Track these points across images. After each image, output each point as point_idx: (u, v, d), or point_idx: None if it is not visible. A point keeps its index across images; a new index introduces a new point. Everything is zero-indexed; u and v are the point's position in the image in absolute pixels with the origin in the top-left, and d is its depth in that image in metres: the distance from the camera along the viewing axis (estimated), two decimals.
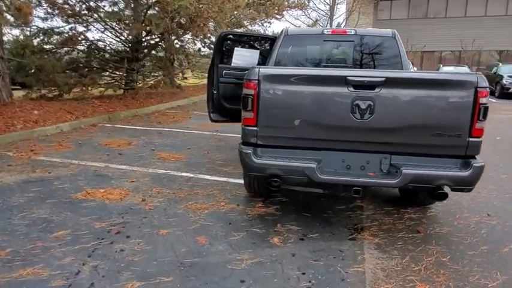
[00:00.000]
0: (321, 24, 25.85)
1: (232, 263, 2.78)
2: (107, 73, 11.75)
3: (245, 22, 14.74)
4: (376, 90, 2.91)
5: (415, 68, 19.78)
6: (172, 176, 4.83)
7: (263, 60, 5.07)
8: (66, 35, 10.56)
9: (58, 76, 9.36)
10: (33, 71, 9.64)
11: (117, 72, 11.86)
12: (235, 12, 11.71)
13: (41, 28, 10.31)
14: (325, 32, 4.57)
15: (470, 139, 2.93)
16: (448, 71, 19.23)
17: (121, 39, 11.78)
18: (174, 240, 3.11)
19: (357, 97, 2.93)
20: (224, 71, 4.83)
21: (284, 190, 4.19)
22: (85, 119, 8.31)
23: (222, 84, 4.88)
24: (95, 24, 11.02)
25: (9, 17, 8.05)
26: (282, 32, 4.70)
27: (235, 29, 13.48)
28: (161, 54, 12.87)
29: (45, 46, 10.52)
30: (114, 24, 11.10)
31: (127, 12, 11.05)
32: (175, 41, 12.35)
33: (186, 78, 14.40)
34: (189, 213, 3.68)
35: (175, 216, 3.58)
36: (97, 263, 2.72)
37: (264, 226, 3.44)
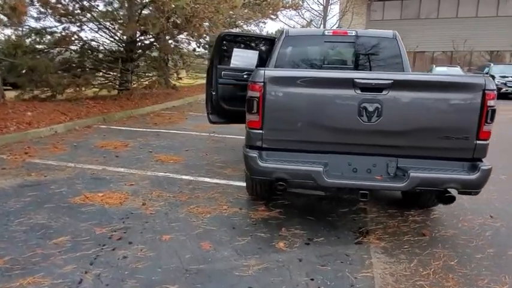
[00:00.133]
0: (315, 25, 25.86)
1: (239, 270, 2.72)
2: (101, 73, 11.60)
3: (240, 22, 14.68)
4: (384, 92, 2.87)
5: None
6: (172, 178, 4.75)
7: (262, 61, 5.01)
8: (59, 35, 10.39)
9: (51, 76, 9.19)
10: (24, 71, 9.47)
11: (111, 73, 11.71)
12: (231, 13, 11.64)
13: (33, 28, 10.13)
14: (326, 33, 4.53)
15: (478, 142, 2.91)
16: (441, 71, 19.44)
17: (115, 39, 11.63)
18: (177, 246, 3.04)
19: (364, 100, 2.89)
20: (223, 72, 4.77)
21: (286, 193, 4.14)
22: (79, 120, 8.17)
23: (221, 86, 4.82)
24: (88, 23, 10.87)
25: (2, 16, 7.88)
26: (282, 33, 4.65)
27: (231, 29, 13.42)
28: (155, 54, 12.74)
29: (37, 46, 10.34)
30: (108, 24, 10.95)
31: (121, 12, 10.91)
32: (170, 41, 12.23)
33: (180, 78, 14.28)
34: (191, 217, 3.61)
35: (177, 221, 3.51)
36: (100, 271, 2.64)
37: (269, 230, 3.38)
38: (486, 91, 2.82)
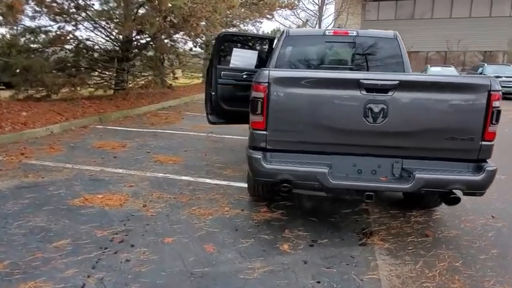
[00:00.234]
0: (310, 25, 25.88)
1: (244, 272, 2.69)
2: (96, 73, 11.47)
3: (237, 22, 14.63)
4: (390, 93, 2.85)
5: None
6: (172, 179, 4.70)
7: (261, 62, 4.98)
8: (54, 34, 10.25)
9: (46, 76, 9.05)
10: (19, 70, 9.33)
11: (107, 72, 11.59)
12: (228, 12, 11.58)
13: (28, 27, 9.97)
14: (327, 33, 4.51)
15: (483, 143, 2.91)
16: (436, 71, 19.54)
17: (111, 38, 11.51)
18: (180, 248, 3.00)
19: (370, 100, 2.87)
20: (222, 72, 4.73)
21: (288, 194, 4.11)
22: (75, 120, 8.08)
23: (221, 86, 4.78)
24: (83, 23, 10.73)
25: None
26: (282, 33, 4.63)
27: (228, 29, 13.36)
28: (151, 53, 12.63)
29: (32, 45, 10.18)
30: (104, 23, 10.83)
31: (117, 11, 10.80)
32: (166, 41, 12.15)
33: (176, 78, 14.19)
34: (193, 219, 3.56)
35: (179, 223, 3.47)
36: (102, 275, 2.59)
37: (272, 232, 3.35)
38: (491, 92, 2.81)
